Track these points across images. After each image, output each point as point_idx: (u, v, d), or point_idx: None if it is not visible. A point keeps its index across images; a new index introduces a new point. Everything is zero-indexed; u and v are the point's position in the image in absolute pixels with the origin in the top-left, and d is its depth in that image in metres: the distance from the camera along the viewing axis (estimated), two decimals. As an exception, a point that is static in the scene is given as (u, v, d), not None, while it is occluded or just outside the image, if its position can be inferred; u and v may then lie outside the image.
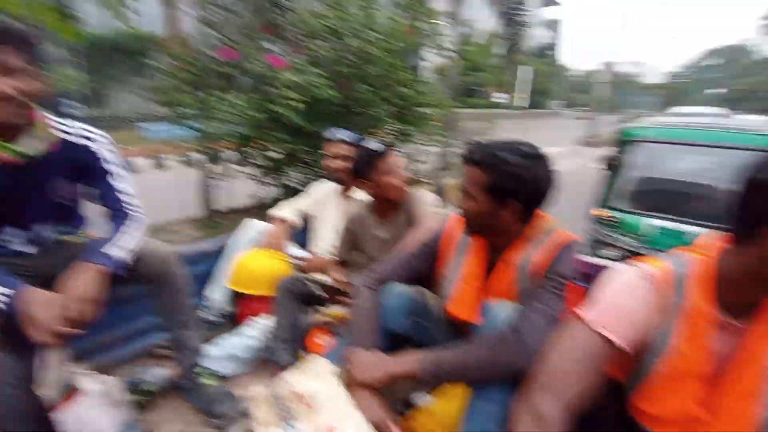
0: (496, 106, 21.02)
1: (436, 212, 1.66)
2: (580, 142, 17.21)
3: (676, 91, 42.67)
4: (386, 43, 3.60)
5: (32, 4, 2.38)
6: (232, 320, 1.93)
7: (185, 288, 1.41)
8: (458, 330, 1.32)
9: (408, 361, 1.02)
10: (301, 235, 2.26)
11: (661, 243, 2.75)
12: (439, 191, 4.68)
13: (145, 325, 1.73)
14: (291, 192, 3.99)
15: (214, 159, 4.22)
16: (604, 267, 1.52)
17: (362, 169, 1.64)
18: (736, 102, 29.40)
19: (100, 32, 15.28)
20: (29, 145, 1.12)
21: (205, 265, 1.94)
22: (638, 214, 2.91)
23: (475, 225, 1.13)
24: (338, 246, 1.81)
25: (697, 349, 0.86)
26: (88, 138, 1.27)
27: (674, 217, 2.74)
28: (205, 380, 1.45)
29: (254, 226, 2.00)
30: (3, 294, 1.01)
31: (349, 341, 1.14)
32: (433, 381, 1.01)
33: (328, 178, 2.15)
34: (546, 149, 1.08)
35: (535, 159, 1.03)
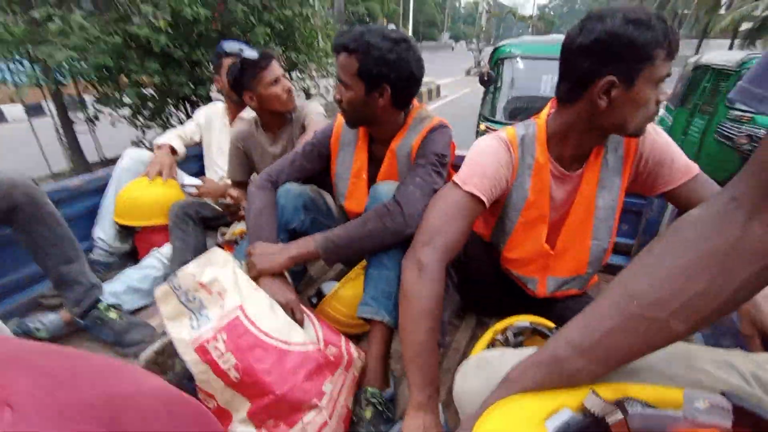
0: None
1: (323, 119, 1.70)
2: (469, 72, 18.09)
3: (550, 22, 46.41)
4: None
5: None
6: (129, 257, 1.83)
7: (54, 217, 1.28)
8: (355, 222, 1.44)
9: (305, 243, 1.09)
10: (196, 164, 2.15)
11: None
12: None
13: (23, 275, 1.56)
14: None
15: (71, 102, 3.58)
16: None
17: (243, 81, 1.57)
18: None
19: None
20: None
21: (85, 204, 1.75)
22: (510, 124, 3.31)
23: (354, 115, 1.18)
24: (231, 167, 1.77)
25: (543, 198, 1.03)
26: None
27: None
28: (110, 314, 1.39)
29: (137, 155, 1.84)
30: None
31: (249, 238, 1.18)
32: (330, 258, 1.08)
33: (226, 98, 2.02)
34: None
35: (402, 42, 1.09)
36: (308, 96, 5.88)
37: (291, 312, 1.03)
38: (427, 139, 1.19)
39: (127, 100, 3.25)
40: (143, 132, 3.81)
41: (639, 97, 0.84)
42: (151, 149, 1.91)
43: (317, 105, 1.75)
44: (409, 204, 1.05)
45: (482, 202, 0.97)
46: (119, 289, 1.55)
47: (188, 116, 3.80)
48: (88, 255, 1.72)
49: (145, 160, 1.83)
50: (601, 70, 0.83)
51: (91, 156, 4.16)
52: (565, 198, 1.07)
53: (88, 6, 2.97)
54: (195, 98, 3.55)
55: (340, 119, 1.32)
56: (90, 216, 1.77)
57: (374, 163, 1.31)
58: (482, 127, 3.46)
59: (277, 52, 3.82)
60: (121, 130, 3.75)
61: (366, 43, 1.06)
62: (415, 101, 1.27)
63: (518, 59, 3.42)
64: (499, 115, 3.42)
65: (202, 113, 2.09)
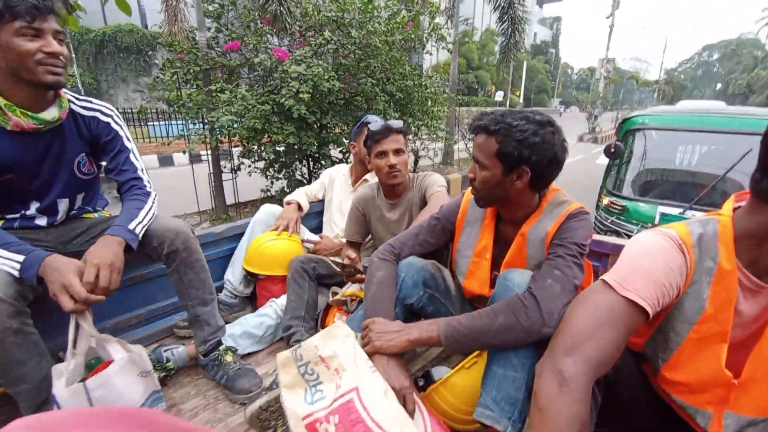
0: (495, 103, 21.06)
1: (445, 192, 1.69)
2: (582, 139, 17.22)
3: (677, 87, 42.74)
4: (388, 35, 3.64)
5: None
6: (250, 301, 1.99)
7: (201, 264, 1.43)
8: (472, 304, 1.35)
9: (428, 328, 1.03)
10: (316, 219, 2.31)
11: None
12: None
13: (166, 305, 1.78)
14: (298, 184, 4.04)
15: (222, 154, 4.28)
16: (613, 244, 1.56)
17: (367, 149, 1.68)
18: (736, 97, 29.35)
19: (99, 28, 15.45)
20: (48, 114, 1.18)
21: (224, 249, 1.99)
22: (643, 200, 2.95)
23: (487, 195, 1.14)
24: (348, 227, 1.84)
25: (725, 311, 0.83)
26: (98, 111, 1.32)
27: (677, 203, 2.77)
28: (226, 357, 1.48)
29: (270, 210, 2.05)
30: (15, 261, 1.06)
31: (367, 311, 1.16)
32: (451, 347, 1.01)
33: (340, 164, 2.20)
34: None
35: (545, 125, 1.05)
36: (417, 157, 6.13)
37: (403, 399, 0.96)
38: (566, 225, 1.08)
39: (264, 155, 3.74)
40: (272, 183, 4.32)
41: None
42: (280, 202, 2.12)
43: (439, 177, 1.76)
44: (547, 300, 0.94)
45: (645, 312, 0.81)
46: (237, 332, 1.66)
47: (310, 171, 4.21)
48: (218, 294, 1.90)
49: (276, 214, 2.02)
50: None
51: (230, 199, 4.86)
52: (757, 314, 0.84)
53: (247, 80, 3.61)
54: (318, 156, 3.93)
55: (468, 195, 1.29)
56: (226, 259, 1.98)
57: (500, 244, 1.23)
58: (605, 201, 3.15)
59: (407, 126, 4.12)
60: (255, 179, 4.33)
61: (508, 125, 1.04)
62: (552, 183, 1.19)
63: (653, 131, 3.11)
64: (627, 191, 3.09)
65: (327, 173, 2.27)
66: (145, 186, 1.37)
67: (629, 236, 2.97)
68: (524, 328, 0.94)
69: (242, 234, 2.01)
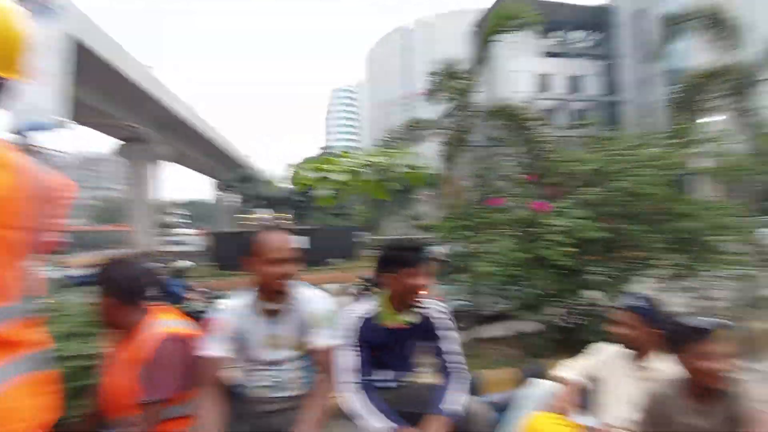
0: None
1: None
2: None
3: None
4: (660, 178, 3.42)
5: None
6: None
7: None
8: None
9: None
10: (582, 398, 2.16)
11: None
12: (746, 339, 3.58)
13: None
14: (552, 328, 3.90)
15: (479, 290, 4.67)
16: None
17: (675, 345, 1.53)
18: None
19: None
20: (409, 317, 1.73)
21: (494, 418, 2.02)
22: None
23: None
24: (641, 423, 1.65)
25: None
26: (434, 310, 1.82)
27: None
28: None
29: (542, 386, 2.03)
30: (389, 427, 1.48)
31: None
32: None
33: (614, 342, 2.04)
34: None
35: None
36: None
37: None
38: None
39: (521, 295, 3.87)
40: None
41: None
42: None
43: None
44: None
45: None
46: None
47: (564, 313, 4.01)
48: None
49: (549, 391, 1.97)
50: None
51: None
52: None
53: (508, 229, 4.00)
54: (572, 300, 3.74)
55: None
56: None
57: None
58: None
59: (671, 262, 3.57)
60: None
61: None
62: None
63: None
64: None
65: (602, 351, 2.10)
66: (461, 370, 1.80)
67: None
68: None
69: (507, 403, 2.02)
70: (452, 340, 1.78)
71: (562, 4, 26.20)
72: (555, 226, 3.28)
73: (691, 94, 6.42)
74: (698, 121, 4.55)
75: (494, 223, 3.86)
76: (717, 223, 3.71)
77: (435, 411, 1.54)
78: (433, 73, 6.74)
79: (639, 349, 1.90)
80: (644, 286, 3.68)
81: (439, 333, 1.78)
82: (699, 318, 1.52)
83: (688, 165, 3.91)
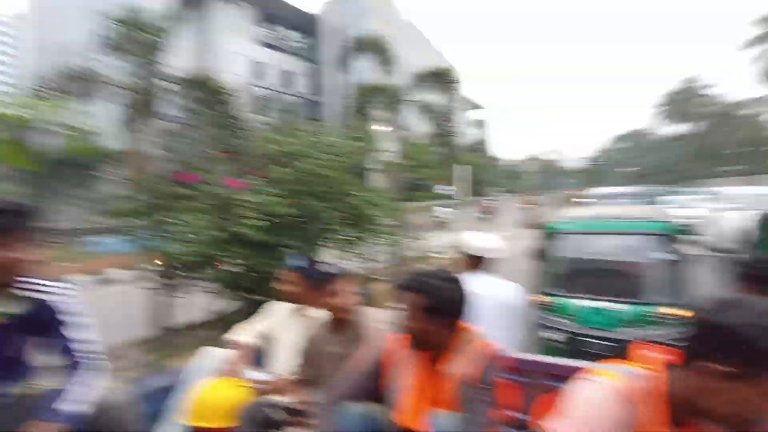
0: (440, 197, 22.86)
1: (381, 330, 1.84)
2: (520, 225, 18.65)
3: (594, 172, 48.97)
4: (335, 163, 4.10)
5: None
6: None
7: None
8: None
9: None
10: (256, 357, 2.30)
11: (589, 321, 3.13)
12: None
13: None
14: (252, 303, 4.02)
15: (169, 273, 4.21)
16: (537, 362, 1.76)
17: (316, 289, 1.85)
18: (645, 177, 34.02)
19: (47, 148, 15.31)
20: (10, 307, 1.26)
21: (160, 401, 1.87)
22: (568, 296, 3.30)
23: (418, 341, 1.35)
24: (301, 365, 1.91)
25: None
26: (51, 293, 1.39)
27: (596, 297, 3.15)
28: None
29: (211, 354, 2.01)
30: None
31: None
32: None
33: (283, 300, 2.27)
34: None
35: (457, 282, 1.33)
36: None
37: None
38: (488, 369, 1.29)
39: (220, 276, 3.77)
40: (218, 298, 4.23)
41: None
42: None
43: (377, 312, 1.93)
44: None
45: None
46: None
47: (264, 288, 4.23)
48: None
49: (219, 358, 1.99)
50: None
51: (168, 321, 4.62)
52: None
53: (203, 207, 3.79)
54: (272, 273, 4.01)
55: (391, 337, 1.47)
56: (158, 413, 1.86)
57: (430, 382, 1.38)
58: (536, 297, 3.43)
59: (347, 235, 4.40)
60: (189, 296, 4.24)
61: (431, 284, 1.30)
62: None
63: (571, 235, 3.61)
64: (554, 288, 3.45)
65: (273, 310, 2.30)
66: (93, 361, 1.41)
67: (564, 331, 3.24)
68: None
69: (175, 383, 1.91)
70: (81, 327, 1.43)
71: (278, 0, 27.13)
72: (249, 202, 3.35)
73: (362, 103, 8.30)
74: (369, 125, 5.77)
75: (186, 198, 3.57)
76: (373, 202, 4.85)
77: (44, 416, 1.20)
78: (114, 19, 5.44)
79: (302, 302, 2.19)
80: (328, 254, 4.37)
81: (62, 320, 1.40)
82: (329, 265, 1.90)
83: (360, 158, 4.85)
